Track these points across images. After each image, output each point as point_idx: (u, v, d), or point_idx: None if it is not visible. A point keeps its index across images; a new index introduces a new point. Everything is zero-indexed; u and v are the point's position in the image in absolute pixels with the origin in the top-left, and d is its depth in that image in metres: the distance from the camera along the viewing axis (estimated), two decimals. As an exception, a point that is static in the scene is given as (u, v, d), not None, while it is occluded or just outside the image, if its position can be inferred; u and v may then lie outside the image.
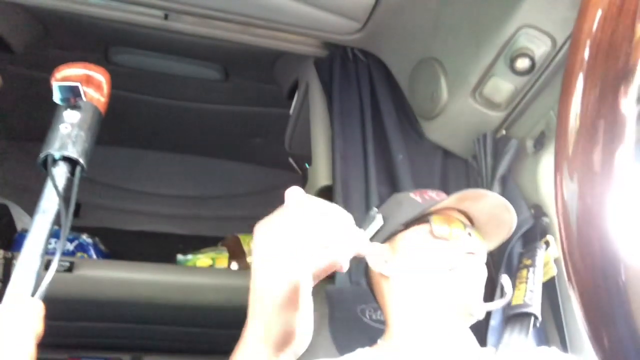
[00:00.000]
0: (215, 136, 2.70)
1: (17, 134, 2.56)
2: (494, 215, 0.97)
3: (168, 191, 2.89)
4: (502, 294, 1.16)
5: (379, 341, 0.96)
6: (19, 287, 0.56)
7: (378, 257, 0.97)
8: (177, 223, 2.83)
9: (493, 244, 1.01)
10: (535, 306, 1.05)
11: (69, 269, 1.79)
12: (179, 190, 2.90)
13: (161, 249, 2.60)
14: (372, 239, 1.00)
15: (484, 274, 0.93)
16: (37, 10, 1.68)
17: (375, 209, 1.04)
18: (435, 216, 0.94)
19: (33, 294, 0.57)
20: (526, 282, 1.11)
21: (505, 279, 0.97)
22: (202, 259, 2.19)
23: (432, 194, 1.02)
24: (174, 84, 2.23)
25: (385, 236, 0.98)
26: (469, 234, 0.94)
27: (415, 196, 1.01)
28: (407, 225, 0.97)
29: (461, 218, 0.97)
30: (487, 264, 0.99)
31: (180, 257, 2.21)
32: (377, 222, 0.99)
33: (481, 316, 0.91)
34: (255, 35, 1.66)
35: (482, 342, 1.07)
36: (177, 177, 2.91)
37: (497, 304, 0.97)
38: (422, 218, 0.95)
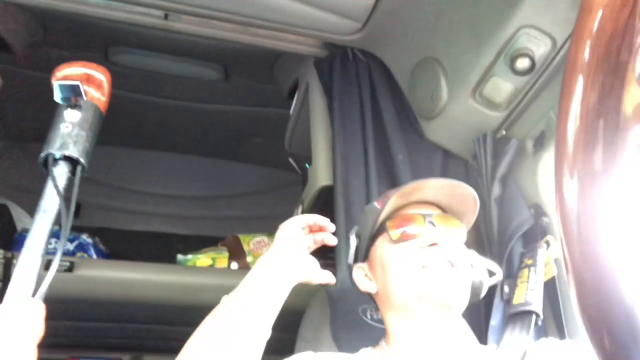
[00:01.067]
0: (215, 136, 2.70)
1: (17, 134, 2.56)
2: (449, 194, 0.97)
3: (168, 191, 2.89)
4: (502, 294, 1.16)
5: (381, 342, 0.96)
6: (19, 287, 0.56)
7: (361, 276, 1.00)
8: (177, 223, 2.83)
9: (470, 218, 1.00)
10: (536, 304, 1.05)
11: (69, 269, 1.79)
12: (179, 190, 2.90)
13: (161, 249, 2.61)
14: (355, 260, 1.04)
15: (458, 257, 0.91)
16: (37, 10, 1.68)
17: (355, 228, 1.07)
18: (389, 222, 0.96)
19: (34, 294, 0.57)
20: (527, 282, 1.11)
21: (494, 266, 0.98)
22: (202, 259, 2.19)
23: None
24: (174, 84, 2.23)
25: (363, 254, 1.02)
26: (432, 223, 0.93)
27: (377, 204, 1.01)
28: (372, 238, 0.99)
29: (422, 210, 0.96)
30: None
31: (180, 257, 2.21)
32: (353, 243, 1.04)
33: (462, 303, 0.90)
34: (255, 35, 1.66)
35: (483, 341, 1.07)
36: (177, 177, 2.90)
37: (489, 281, 0.96)
38: (382, 226, 0.97)
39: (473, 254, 0.98)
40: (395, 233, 0.94)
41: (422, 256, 0.90)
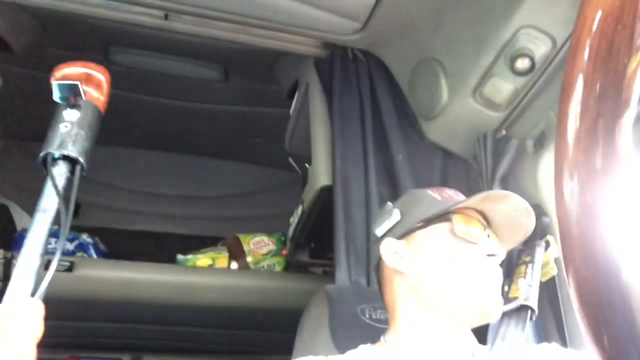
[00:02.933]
0: (215, 136, 2.70)
1: (17, 134, 2.56)
2: (512, 217, 0.95)
3: (168, 191, 2.89)
4: (502, 292, 1.16)
5: (382, 338, 0.95)
6: (18, 287, 0.56)
7: (393, 253, 0.95)
8: (177, 223, 2.83)
9: (506, 247, 0.98)
10: (532, 300, 1.05)
11: (69, 269, 1.80)
12: (179, 190, 2.90)
13: (161, 249, 2.61)
14: (387, 234, 0.98)
15: (501, 276, 0.92)
16: (37, 10, 1.68)
17: (390, 204, 1.02)
18: (457, 215, 0.92)
19: (33, 294, 0.57)
20: (524, 277, 1.11)
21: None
22: (202, 259, 2.19)
23: (450, 192, 1.00)
24: (174, 84, 2.22)
25: (401, 232, 0.96)
26: (488, 235, 0.93)
27: (433, 193, 0.99)
28: (427, 222, 0.94)
29: (480, 219, 0.95)
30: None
31: (180, 257, 2.21)
32: (394, 217, 0.98)
33: (498, 318, 0.91)
34: (255, 36, 1.66)
35: (482, 341, 1.07)
36: (177, 177, 2.90)
37: (511, 306, 0.97)
38: (441, 217, 0.93)
39: None
40: (462, 229, 0.91)
41: (480, 264, 0.90)
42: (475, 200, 0.93)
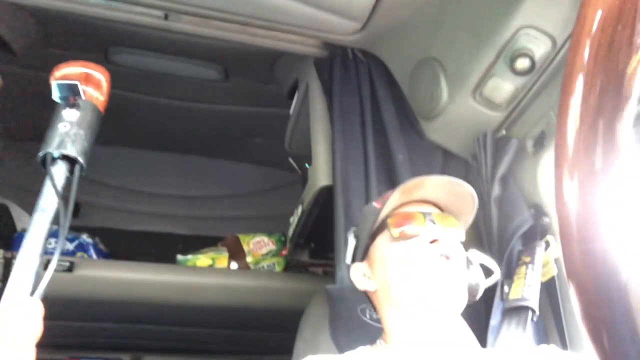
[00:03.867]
0: (215, 136, 2.70)
1: (17, 134, 2.56)
2: (448, 192, 0.97)
3: (168, 191, 2.89)
4: (502, 294, 1.16)
5: (378, 341, 0.96)
6: (18, 287, 0.56)
7: (361, 276, 0.99)
8: (177, 223, 2.83)
9: (468, 217, 1.00)
10: (532, 300, 1.05)
11: (69, 269, 1.80)
12: (179, 190, 2.90)
13: (161, 249, 2.61)
14: (353, 259, 1.03)
15: (455, 253, 0.92)
16: (37, 10, 1.68)
17: (353, 229, 1.07)
18: (390, 219, 0.95)
19: (32, 294, 0.57)
20: (524, 278, 1.11)
21: (492, 264, 0.98)
22: (202, 259, 2.19)
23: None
24: (174, 84, 2.22)
25: (361, 253, 1.01)
26: (432, 221, 0.94)
27: (376, 204, 1.01)
28: (373, 236, 0.98)
29: (422, 209, 0.96)
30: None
31: (180, 257, 2.21)
32: (351, 242, 1.04)
33: (460, 300, 0.90)
34: (255, 36, 1.66)
35: (482, 342, 1.07)
36: (177, 177, 2.91)
37: (488, 282, 0.97)
38: (382, 225, 0.96)
39: (472, 253, 0.98)
40: (396, 231, 0.94)
41: (422, 254, 0.90)
42: (396, 198, 0.95)
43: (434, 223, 0.93)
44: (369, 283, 0.98)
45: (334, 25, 1.54)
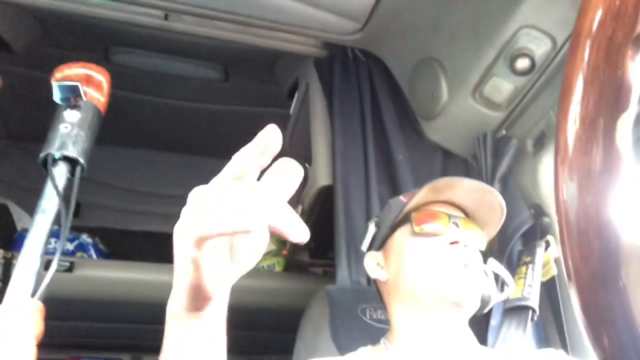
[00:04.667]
0: (215, 136, 2.70)
1: (17, 134, 2.56)
2: (478, 199, 0.97)
3: (168, 191, 2.88)
4: (502, 291, 1.16)
5: (382, 341, 0.96)
6: (19, 288, 0.56)
7: (375, 265, 1.00)
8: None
9: (492, 229, 1.00)
10: (533, 300, 1.06)
11: (69, 269, 1.79)
12: (179, 190, 2.89)
13: (161, 249, 2.60)
14: (369, 247, 1.04)
15: (474, 261, 0.92)
16: (37, 10, 1.68)
17: (374, 218, 1.08)
18: (415, 214, 0.96)
19: (33, 294, 0.57)
20: (525, 278, 1.11)
21: (508, 278, 0.97)
22: (202, 259, 2.18)
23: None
24: (174, 84, 2.22)
25: (379, 243, 1.02)
26: (456, 224, 0.94)
27: (404, 198, 1.02)
28: (393, 228, 0.99)
29: (447, 210, 0.97)
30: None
31: (180, 257, 2.20)
32: (371, 230, 1.04)
33: (472, 306, 0.91)
34: (255, 35, 1.66)
35: (483, 341, 1.07)
36: (177, 177, 2.90)
37: (500, 297, 0.97)
38: (406, 218, 0.97)
39: (491, 263, 0.98)
40: (418, 227, 0.94)
41: (440, 253, 0.91)
42: (425, 193, 0.96)
43: (457, 226, 0.94)
44: (381, 272, 0.99)
45: (334, 25, 1.54)
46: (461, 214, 0.98)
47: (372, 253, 1.02)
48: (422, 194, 0.96)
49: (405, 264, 0.93)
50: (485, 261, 0.98)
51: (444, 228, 0.93)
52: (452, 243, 0.91)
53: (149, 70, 2.10)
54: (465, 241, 0.92)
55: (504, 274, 0.99)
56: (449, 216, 0.95)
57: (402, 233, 0.97)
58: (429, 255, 0.91)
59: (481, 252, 0.97)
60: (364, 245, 1.05)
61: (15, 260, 1.88)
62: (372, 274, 1.00)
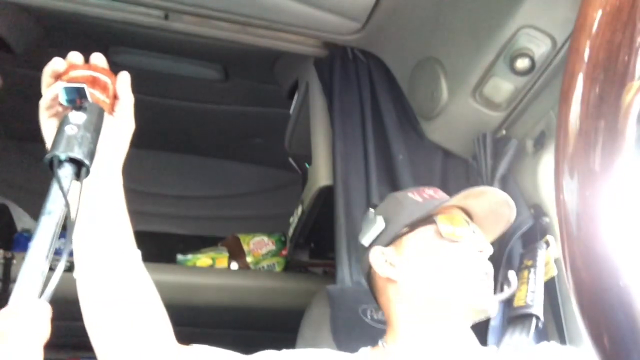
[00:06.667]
0: (215, 136, 2.70)
1: (17, 134, 2.55)
2: (493, 210, 0.97)
3: (168, 191, 2.88)
4: (496, 289, 1.16)
5: (380, 342, 0.95)
6: (25, 289, 0.56)
7: (383, 262, 0.95)
8: (177, 223, 2.83)
9: (490, 238, 1.00)
10: (536, 307, 1.05)
11: (69, 269, 1.79)
12: (179, 190, 2.90)
13: (161, 249, 2.60)
14: (374, 242, 0.98)
15: (491, 270, 0.93)
16: (37, 10, 1.68)
17: (372, 211, 1.03)
18: (441, 216, 0.93)
19: (39, 296, 0.57)
20: (527, 283, 1.11)
21: (511, 275, 0.99)
22: (202, 259, 2.19)
23: (430, 192, 1.01)
24: (174, 84, 2.22)
25: (388, 239, 0.96)
26: (473, 231, 0.94)
27: (414, 195, 0.99)
28: (412, 227, 0.95)
29: (463, 215, 0.96)
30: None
31: (180, 257, 2.21)
32: (379, 225, 0.98)
33: (494, 313, 0.92)
34: (255, 35, 1.66)
35: (483, 342, 1.07)
36: (177, 177, 2.90)
37: (504, 295, 0.98)
38: (426, 219, 0.94)
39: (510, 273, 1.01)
40: (447, 230, 0.92)
41: (469, 261, 0.91)
42: (459, 198, 0.94)
43: (475, 233, 0.94)
44: (392, 271, 0.94)
45: (334, 25, 1.54)
46: (470, 220, 0.97)
47: (380, 249, 0.96)
48: (455, 199, 0.94)
49: (433, 267, 0.91)
50: None
51: (469, 234, 0.93)
52: (480, 251, 0.92)
53: (148, 70, 2.10)
54: (487, 249, 0.93)
55: (511, 276, 1.00)
56: (468, 222, 0.95)
57: (425, 233, 0.93)
58: (458, 262, 0.90)
59: None
60: (367, 239, 0.99)
61: (15, 260, 1.88)
62: (382, 272, 0.94)
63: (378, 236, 0.98)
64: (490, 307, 0.90)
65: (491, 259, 1.03)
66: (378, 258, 0.96)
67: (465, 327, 0.92)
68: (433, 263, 0.91)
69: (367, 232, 1.00)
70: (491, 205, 0.97)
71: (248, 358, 0.90)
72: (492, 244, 1.30)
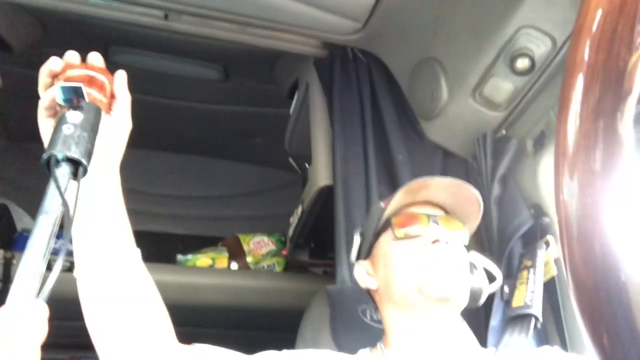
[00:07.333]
0: (215, 136, 2.70)
1: (17, 134, 2.56)
2: (454, 194, 0.98)
3: (168, 191, 2.88)
4: (502, 294, 1.16)
5: (378, 345, 0.96)
6: (22, 289, 0.56)
7: (364, 274, 1.00)
8: (177, 223, 2.83)
9: (474, 222, 1.01)
10: (536, 307, 1.05)
11: (69, 269, 1.79)
12: (179, 190, 2.90)
13: (161, 249, 2.61)
14: (358, 257, 1.04)
15: (457, 257, 0.93)
16: (37, 10, 1.68)
17: (359, 227, 1.08)
18: (394, 218, 0.97)
19: (36, 296, 0.57)
20: (527, 283, 1.11)
21: (494, 269, 0.99)
22: (202, 259, 2.19)
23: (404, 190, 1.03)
24: (174, 84, 2.22)
25: (365, 252, 1.02)
26: (436, 222, 0.95)
27: (383, 204, 1.02)
28: (377, 235, 0.99)
29: (427, 210, 0.97)
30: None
31: (180, 257, 2.21)
32: (356, 240, 1.05)
33: (460, 301, 0.91)
34: (255, 35, 1.66)
35: (482, 342, 1.07)
36: (177, 177, 2.90)
37: (491, 288, 0.97)
38: (387, 224, 0.97)
39: (475, 256, 0.98)
40: (400, 231, 0.95)
41: (424, 253, 0.91)
42: (400, 197, 0.96)
43: (438, 224, 0.94)
44: (371, 281, 0.98)
45: (334, 25, 1.54)
46: (441, 212, 0.98)
47: (361, 262, 1.02)
48: (398, 197, 0.96)
49: (391, 269, 0.94)
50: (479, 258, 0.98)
51: (425, 228, 0.94)
52: (433, 242, 0.92)
53: (148, 70, 2.10)
54: (447, 238, 0.93)
55: (489, 265, 1.00)
56: (428, 216, 0.95)
57: (385, 239, 0.98)
58: (412, 257, 0.92)
59: (471, 244, 0.98)
60: (352, 257, 1.06)
61: (15, 260, 1.88)
62: (363, 284, 1.00)
63: (359, 251, 1.05)
64: (452, 293, 0.89)
65: (491, 259, 1.03)
66: (359, 271, 1.01)
67: (448, 322, 0.92)
68: (390, 264, 0.94)
69: (352, 249, 1.07)
70: (448, 190, 0.98)
71: (249, 358, 0.90)
72: (492, 244, 1.31)
